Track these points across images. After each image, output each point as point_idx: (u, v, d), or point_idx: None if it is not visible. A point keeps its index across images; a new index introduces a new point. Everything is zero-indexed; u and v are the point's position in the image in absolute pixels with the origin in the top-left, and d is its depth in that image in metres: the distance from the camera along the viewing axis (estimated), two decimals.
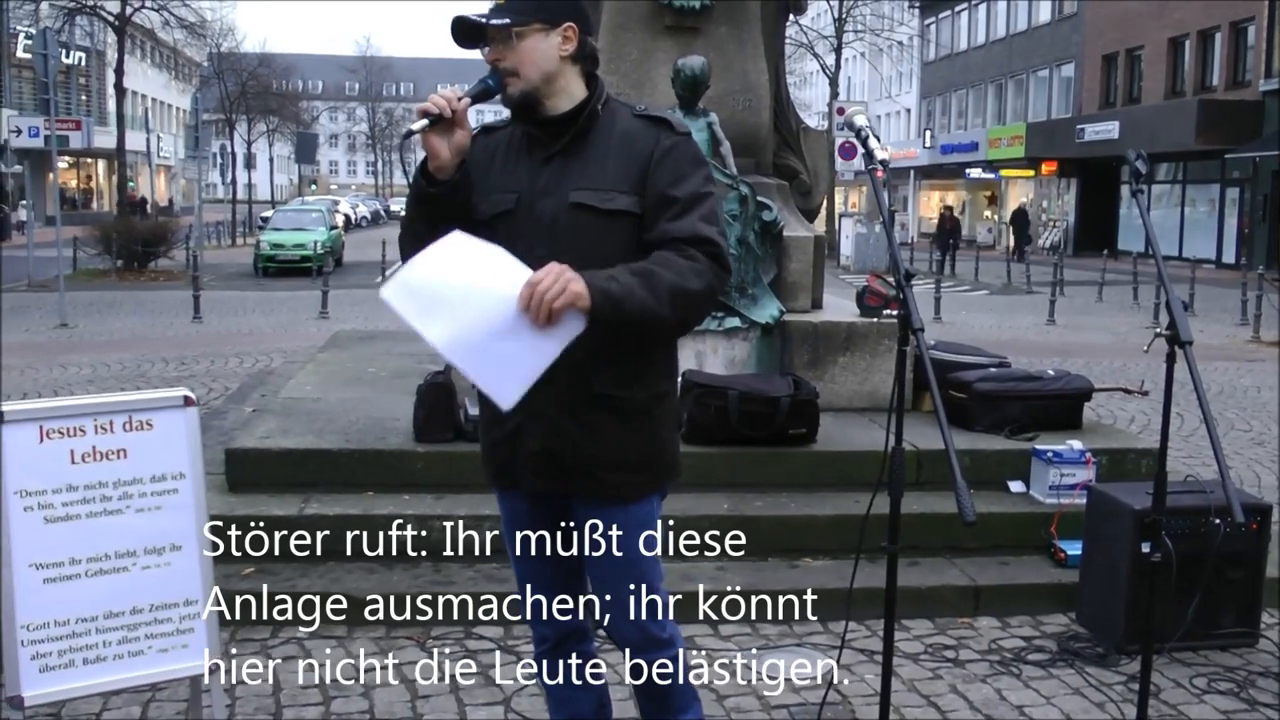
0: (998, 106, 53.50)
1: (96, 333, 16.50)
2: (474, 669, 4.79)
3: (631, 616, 3.22)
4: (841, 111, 32.35)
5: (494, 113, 3.36)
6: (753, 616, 5.37)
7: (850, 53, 46.93)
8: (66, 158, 50.97)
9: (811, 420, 6.34)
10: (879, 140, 3.48)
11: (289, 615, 5.18)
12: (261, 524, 5.53)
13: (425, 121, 2.92)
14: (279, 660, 4.87)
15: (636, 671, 3.35)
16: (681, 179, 3.01)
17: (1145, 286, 24.18)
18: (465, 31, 3.01)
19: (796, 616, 5.37)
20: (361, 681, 4.69)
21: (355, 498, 5.84)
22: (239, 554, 5.32)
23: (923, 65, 60.00)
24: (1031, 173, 47.75)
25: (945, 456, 3.00)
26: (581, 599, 3.38)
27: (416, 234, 3.06)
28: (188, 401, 4.05)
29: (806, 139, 8.36)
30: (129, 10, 35.56)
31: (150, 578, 3.95)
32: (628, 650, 3.31)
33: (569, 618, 3.36)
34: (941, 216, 38.84)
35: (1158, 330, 3.73)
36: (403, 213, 3.24)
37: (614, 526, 3.15)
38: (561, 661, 3.42)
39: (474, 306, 2.71)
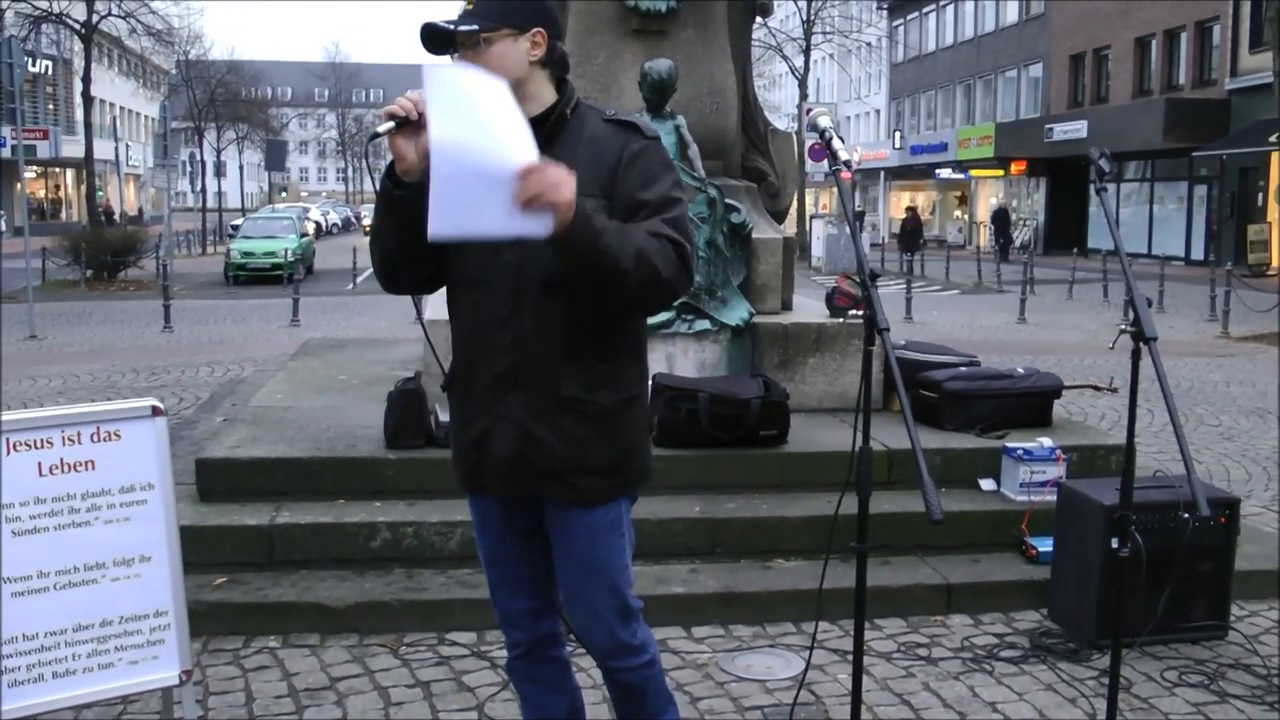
0: (966, 107, 53.76)
1: (66, 344, 16.39)
2: (447, 675, 4.79)
3: (601, 621, 3.22)
4: (810, 113, 32.47)
5: None
6: (726, 618, 5.39)
7: (819, 54, 47.07)
8: (34, 167, 50.66)
9: (782, 422, 6.36)
10: (843, 141, 3.49)
11: (261, 624, 5.20)
12: (232, 533, 5.59)
13: (391, 124, 2.89)
14: (251, 670, 4.85)
15: (608, 675, 3.36)
16: (650, 182, 3.01)
17: (1115, 284, 24.35)
18: (434, 38, 3.01)
19: (769, 617, 5.41)
20: (335, 690, 4.68)
21: (327, 506, 5.82)
22: (210, 563, 5.36)
23: (891, 66, 60.26)
24: (1001, 172, 48.00)
25: (913, 455, 3.02)
26: (553, 604, 3.38)
27: (384, 239, 3.07)
28: (156, 411, 4.02)
29: (774, 141, 8.38)
30: (95, 18, 35.35)
31: (120, 589, 3.92)
32: (598, 655, 3.30)
33: (541, 622, 3.37)
34: (905, 219, 38.74)
35: (1123, 327, 3.75)
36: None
37: (583, 530, 3.16)
38: (534, 666, 3.42)
39: (488, 140, 2.69)
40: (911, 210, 42.11)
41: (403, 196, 2.97)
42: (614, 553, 3.21)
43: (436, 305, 7.79)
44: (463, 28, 2.97)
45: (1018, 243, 44.51)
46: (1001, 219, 42.72)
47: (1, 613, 3.73)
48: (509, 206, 2.65)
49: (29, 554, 3.78)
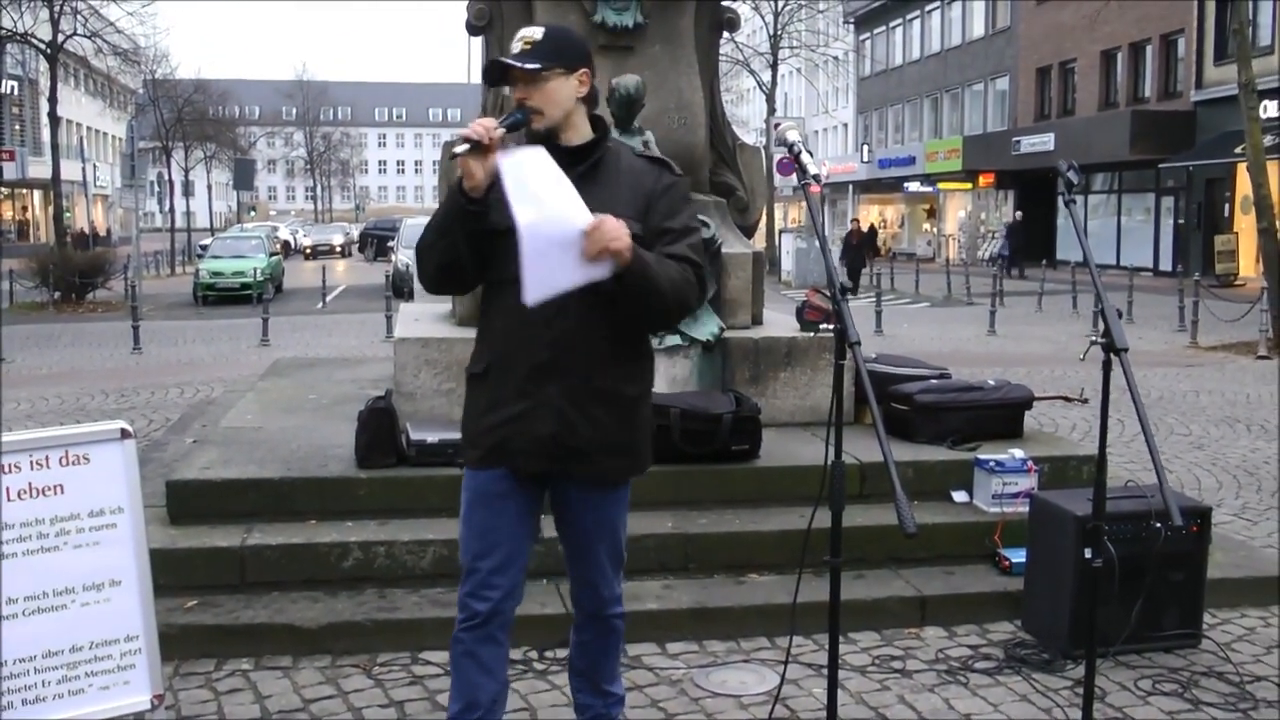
0: (934, 120, 54.06)
1: (34, 366, 16.26)
2: (421, 695, 4.76)
3: (605, 575, 3.76)
4: (778, 127, 32.51)
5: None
6: (699, 633, 5.38)
7: (786, 69, 47.25)
8: (1, 189, 50.31)
9: (754, 436, 6.36)
10: (812, 155, 3.51)
11: (233, 647, 5.16)
12: (203, 555, 5.55)
13: (467, 146, 3.30)
14: (224, 693, 4.80)
15: (596, 623, 3.86)
16: (676, 213, 3.57)
17: (1084, 295, 24.49)
18: (498, 72, 3.51)
19: (743, 632, 5.40)
20: (308, 711, 4.64)
21: (298, 526, 5.79)
22: (181, 586, 5.32)
23: (859, 80, 60.53)
24: (969, 185, 48.25)
25: (885, 468, 3.02)
26: (518, 587, 3.69)
27: (452, 248, 3.47)
28: (125, 434, 4.00)
29: (743, 155, 8.39)
30: (61, 38, 35.15)
31: (90, 615, 3.90)
32: (595, 607, 3.81)
33: (506, 600, 3.65)
34: (849, 233, 36.13)
35: (1094, 338, 3.78)
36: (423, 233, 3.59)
37: (602, 501, 3.67)
38: (480, 643, 3.64)
39: (555, 212, 3.21)
40: (856, 223, 39.53)
41: (475, 210, 3.39)
42: (623, 521, 3.78)
43: (406, 324, 7.78)
44: (526, 66, 3.42)
45: (985, 255, 44.55)
46: (1015, 231, 40.48)
47: None
48: (580, 260, 3.22)
49: None
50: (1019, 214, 41.04)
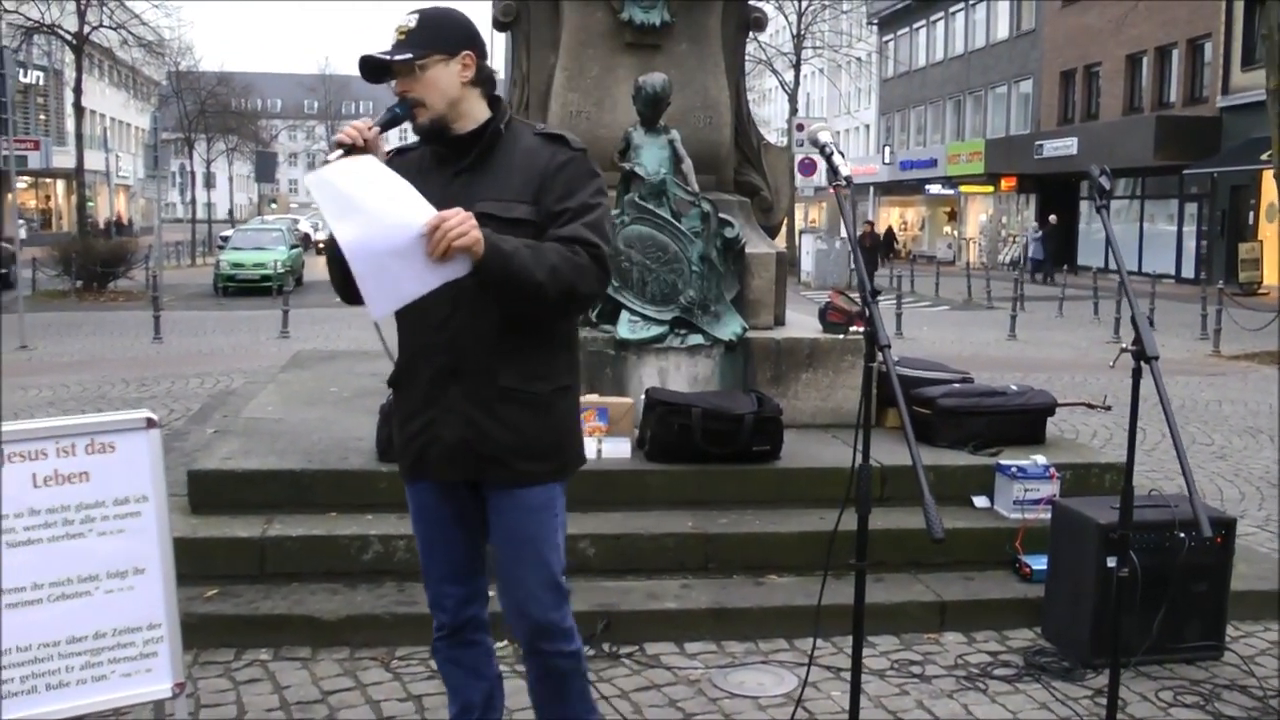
0: (956, 123, 53.91)
1: (57, 354, 16.34)
2: (439, 689, 4.74)
3: (532, 596, 3.42)
4: (801, 128, 32.45)
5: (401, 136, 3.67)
6: (718, 634, 5.37)
7: (809, 69, 47.20)
8: (25, 178, 50.51)
9: (775, 437, 6.35)
10: (843, 156, 3.49)
11: (253, 637, 5.17)
12: (224, 545, 5.57)
13: (340, 152, 3.12)
14: (243, 682, 4.82)
15: (537, 663, 3.53)
16: (573, 192, 3.29)
17: (1105, 301, 24.38)
18: (371, 69, 3.29)
19: (762, 633, 5.39)
20: (326, 703, 4.65)
21: (318, 518, 5.79)
22: (201, 575, 5.34)
23: (881, 82, 60.42)
24: (991, 189, 48.12)
25: (910, 472, 3.01)
26: (480, 592, 3.61)
27: (341, 262, 3.18)
28: (150, 423, 4.01)
29: (768, 155, 8.38)
30: (87, 29, 35.29)
31: (113, 602, 3.91)
32: (527, 636, 3.48)
33: (466, 606, 3.58)
34: (860, 235, 34.91)
35: (1124, 346, 3.75)
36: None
37: (520, 508, 3.39)
38: (458, 649, 3.62)
39: (383, 221, 2.98)
40: (869, 225, 39.40)
41: None
42: (547, 530, 3.43)
43: None
44: (398, 58, 3.22)
45: (1005, 259, 44.31)
46: (1052, 232, 40.01)
47: None
48: (426, 264, 2.98)
49: (23, 565, 3.76)
50: (1053, 217, 40.42)
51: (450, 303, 3.21)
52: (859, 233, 35.04)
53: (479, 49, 3.34)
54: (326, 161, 3.13)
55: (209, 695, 4.70)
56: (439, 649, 3.66)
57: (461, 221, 2.97)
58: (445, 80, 3.26)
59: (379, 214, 2.99)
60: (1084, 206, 42.21)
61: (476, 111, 3.35)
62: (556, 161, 3.31)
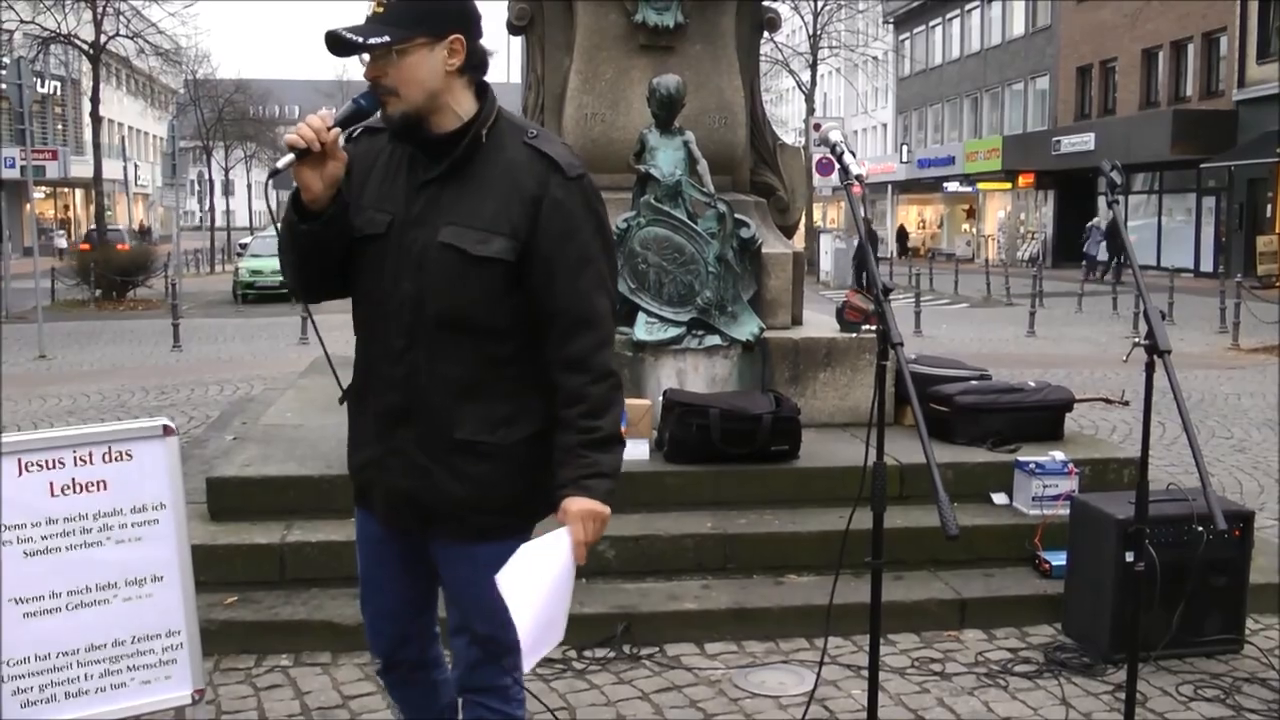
0: (974, 120, 53.79)
1: (76, 363, 16.42)
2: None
3: (479, 657, 3.03)
4: (818, 127, 32.39)
5: None
6: (738, 634, 5.37)
7: (825, 69, 47.08)
8: (43, 188, 50.82)
9: (793, 437, 6.34)
10: (855, 155, 3.49)
11: (273, 643, 5.19)
12: (243, 552, 5.59)
13: (291, 157, 2.72)
14: (264, 689, 4.84)
15: (467, 708, 3.14)
16: (572, 234, 2.79)
17: (1124, 296, 24.30)
18: (340, 45, 2.72)
19: (782, 633, 5.39)
20: (348, 708, 4.66)
21: (338, 524, 5.79)
22: (221, 582, 5.35)
23: (898, 80, 60.28)
24: (1008, 185, 47.98)
25: (927, 470, 3.01)
26: (420, 632, 3.24)
27: (293, 266, 2.94)
28: (167, 431, 4.02)
29: (783, 155, 8.38)
30: (103, 38, 35.46)
31: (132, 609, 3.92)
32: (464, 688, 3.12)
33: (402, 648, 3.21)
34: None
35: (1136, 340, 3.74)
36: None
37: (472, 564, 2.91)
38: (399, 687, 3.33)
39: (552, 597, 2.77)
40: (866, 222, 38.00)
41: (309, 229, 2.82)
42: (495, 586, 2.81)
43: None
44: (373, 40, 2.68)
45: (1024, 256, 44.04)
46: (1114, 231, 35.83)
47: (10, 634, 3.73)
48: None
49: (41, 574, 3.78)
50: (1111, 210, 38.76)
51: (408, 333, 2.82)
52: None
53: (471, 29, 2.80)
54: (276, 170, 2.83)
55: (230, 702, 4.71)
56: (384, 678, 3.35)
57: (593, 528, 2.76)
58: (426, 68, 2.73)
59: (549, 597, 2.76)
60: (1102, 202, 42.01)
61: (462, 104, 2.81)
62: (552, 195, 2.77)
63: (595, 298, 2.82)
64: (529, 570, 2.73)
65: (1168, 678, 4.95)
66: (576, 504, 2.75)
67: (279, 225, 2.96)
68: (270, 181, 3.10)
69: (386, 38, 2.68)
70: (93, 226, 39.26)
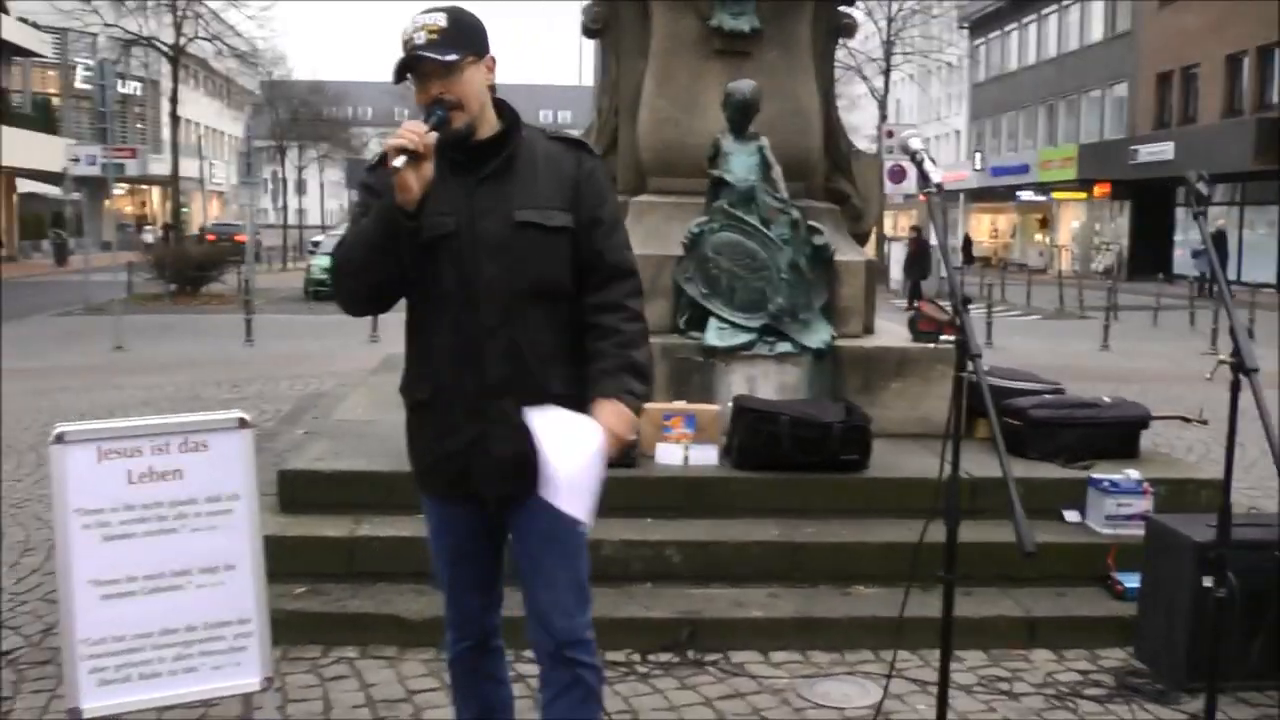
0: (1049, 128, 53.13)
1: (151, 355, 16.68)
2: (524, 692, 4.76)
3: (561, 599, 3.37)
4: (890, 134, 32.09)
5: None
6: (803, 644, 5.33)
7: (899, 75, 46.87)
8: (122, 185, 51.69)
9: (864, 446, 6.29)
10: (934, 163, 3.45)
11: (340, 635, 5.23)
12: (313, 544, 5.64)
13: (404, 158, 2.99)
14: (330, 679, 4.88)
15: (561, 671, 3.37)
16: (603, 200, 3.35)
17: (1202, 312, 23.86)
18: (402, 68, 3.15)
19: (848, 644, 5.34)
20: (412, 702, 4.69)
21: (406, 520, 5.82)
22: (291, 573, 5.40)
23: (972, 86, 59.75)
24: (1084, 195, 47.36)
25: (1000, 484, 2.97)
26: (499, 599, 3.62)
27: (383, 266, 3.16)
28: (243, 424, 4.09)
29: (858, 163, 8.32)
30: (183, 41, 36.08)
31: (205, 596, 4.01)
32: (554, 642, 3.36)
33: (490, 615, 3.59)
34: (911, 240, 31.82)
35: (1221, 357, 3.67)
36: (346, 253, 3.27)
37: (554, 514, 3.18)
38: (482, 656, 3.62)
39: (580, 458, 3.09)
40: (916, 231, 34.02)
41: (415, 227, 3.09)
42: (577, 534, 3.34)
43: None
44: (447, 58, 3.09)
45: (1099, 268, 43.33)
46: (1221, 241, 34.71)
47: (88, 615, 3.80)
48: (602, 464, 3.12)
49: (119, 559, 3.88)
50: (1221, 222, 36.84)
51: (501, 311, 3.19)
52: (908, 239, 32.89)
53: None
54: (395, 168, 3.00)
55: (296, 690, 4.76)
56: (463, 658, 3.62)
57: (625, 427, 3.16)
58: (478, 82, 3.18)
59: (574, 450, 3.10)
60: (1179, 214, 41.32)
61: (491, 114, 3.27)
62: (585, 169, 3.32)
63: (627, 252, 3.38)
64: (561, 422, 3.12)
65: (1246, 710, 4.80)
66: (611, 404, 3.18)
67: (352, 236, 3.24)
68: (365, 175, 3.31)
69: (455, 55, 3.10)
70: (168, 222, 39.90)
